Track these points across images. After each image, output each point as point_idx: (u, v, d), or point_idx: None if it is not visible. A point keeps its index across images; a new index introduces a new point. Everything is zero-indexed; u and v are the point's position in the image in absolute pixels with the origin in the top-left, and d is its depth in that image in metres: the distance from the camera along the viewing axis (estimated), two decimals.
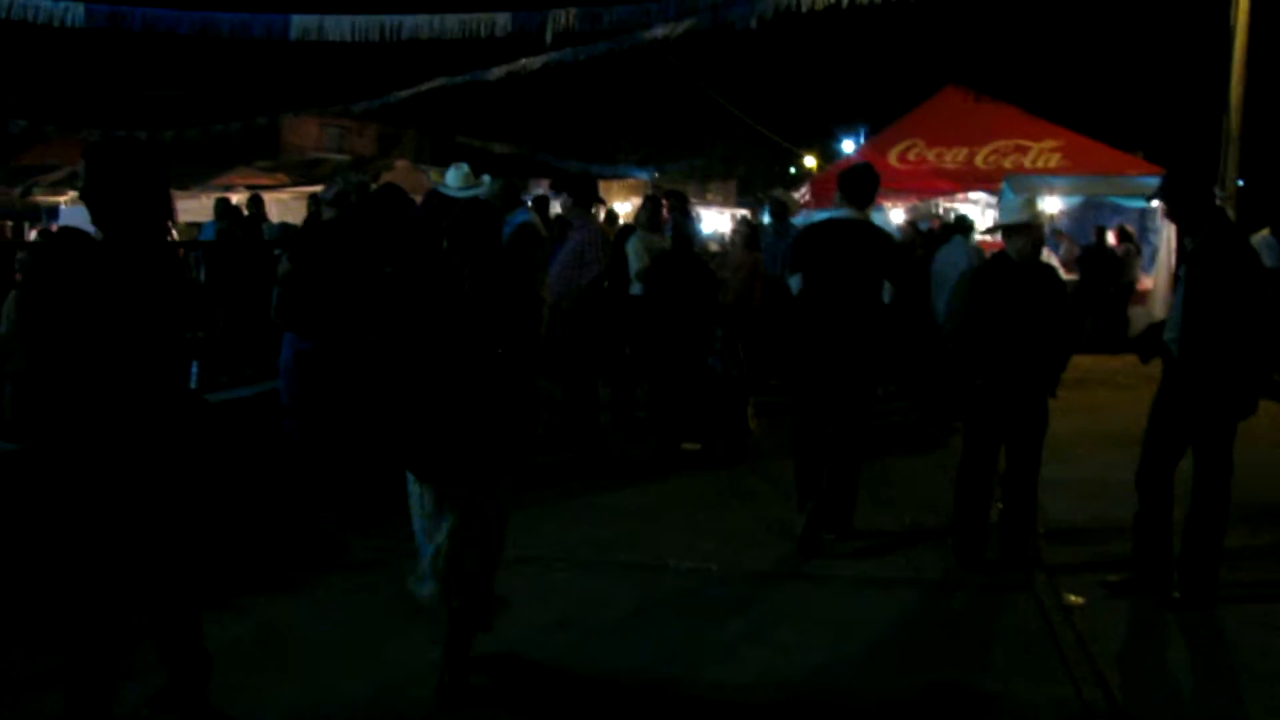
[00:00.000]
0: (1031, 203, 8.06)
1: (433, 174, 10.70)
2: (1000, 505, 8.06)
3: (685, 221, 12.63)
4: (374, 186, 10.86)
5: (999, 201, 8.07)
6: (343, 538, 8.23)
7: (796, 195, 23.47)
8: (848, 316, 8.38)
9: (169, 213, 5.40)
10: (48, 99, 30.67)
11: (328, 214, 9.52)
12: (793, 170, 52.05)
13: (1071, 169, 22.43)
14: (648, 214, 12.84)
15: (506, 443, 5.76)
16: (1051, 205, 21.30)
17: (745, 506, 9.58)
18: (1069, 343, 8.01)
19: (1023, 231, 7.78)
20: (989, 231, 8.25)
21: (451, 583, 5.66)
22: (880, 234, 8.98)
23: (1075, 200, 22.16)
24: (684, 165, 47.64)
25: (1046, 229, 12.34)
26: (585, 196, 11.63)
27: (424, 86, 21.48)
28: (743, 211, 27.85)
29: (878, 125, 27.33)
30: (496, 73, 19.81)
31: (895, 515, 9.28)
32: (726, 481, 10.45)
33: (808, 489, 8.61)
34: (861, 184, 8.68)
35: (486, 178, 10.56)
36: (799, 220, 16.68)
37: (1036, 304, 7.74)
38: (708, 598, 7.40)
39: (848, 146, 45.32)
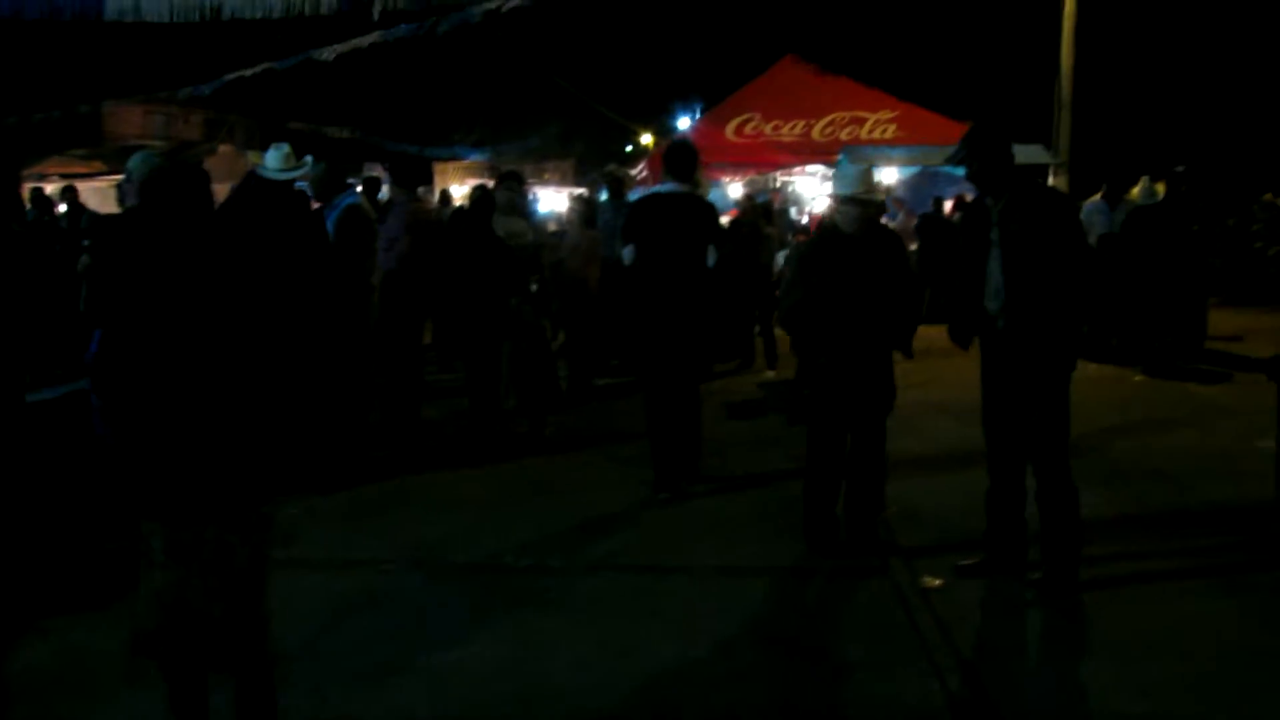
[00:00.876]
0: (868, 175, 7.62)
1: (253, 156, 10.12)
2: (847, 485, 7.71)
3: (506, 198, 12.20)
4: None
5: (835, 171, 7.72)
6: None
7: (634, 172, 23.21)
8: (678, 283, 8.89)
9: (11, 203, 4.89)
10: None
11: (130, 201, 8.93)
12: (629, 148, 51.77)
13: (908, 139, 22.32)
14: (506, 197, 12.29)
15: (264, 465, 4.56)
16: (889, 176, 21.31)
17: (587, 493, 9.14)
18: (916, 307, 7.76)
19: (857, 204, 7.43)
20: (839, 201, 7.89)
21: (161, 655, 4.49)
22: (704, 204, 9.47)
23: (912, 170, 22.11)
24: (519, 145, 47.12)
25: (886, 199, 12.26)
26: (404, 177, 11.27)
27: (250, 70, 20.75)
28: (580, 190, 27.45)
29: (714, 100, 26.97)
30: (326, 54, 19.11)
31: (743, 499, 8.95)
32: (566, 466, 10.07)
33: (665, 466, 8.91)
34: (682, 159, 9.31)
35: (309, 159, 10.04)
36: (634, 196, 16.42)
37: (873, 274, 7.39)
38: (549, 598, 6.90)
39: (684, 123, 45.10)
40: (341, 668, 5.82)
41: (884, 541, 7.67)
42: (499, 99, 46.74)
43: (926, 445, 10.15)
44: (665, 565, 7.48)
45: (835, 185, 7.87)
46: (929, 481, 9.11)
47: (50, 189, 20.50)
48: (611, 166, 17.54)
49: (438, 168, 40.89)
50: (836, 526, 7.61)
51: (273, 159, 9.48)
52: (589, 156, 48.79)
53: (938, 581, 6.97)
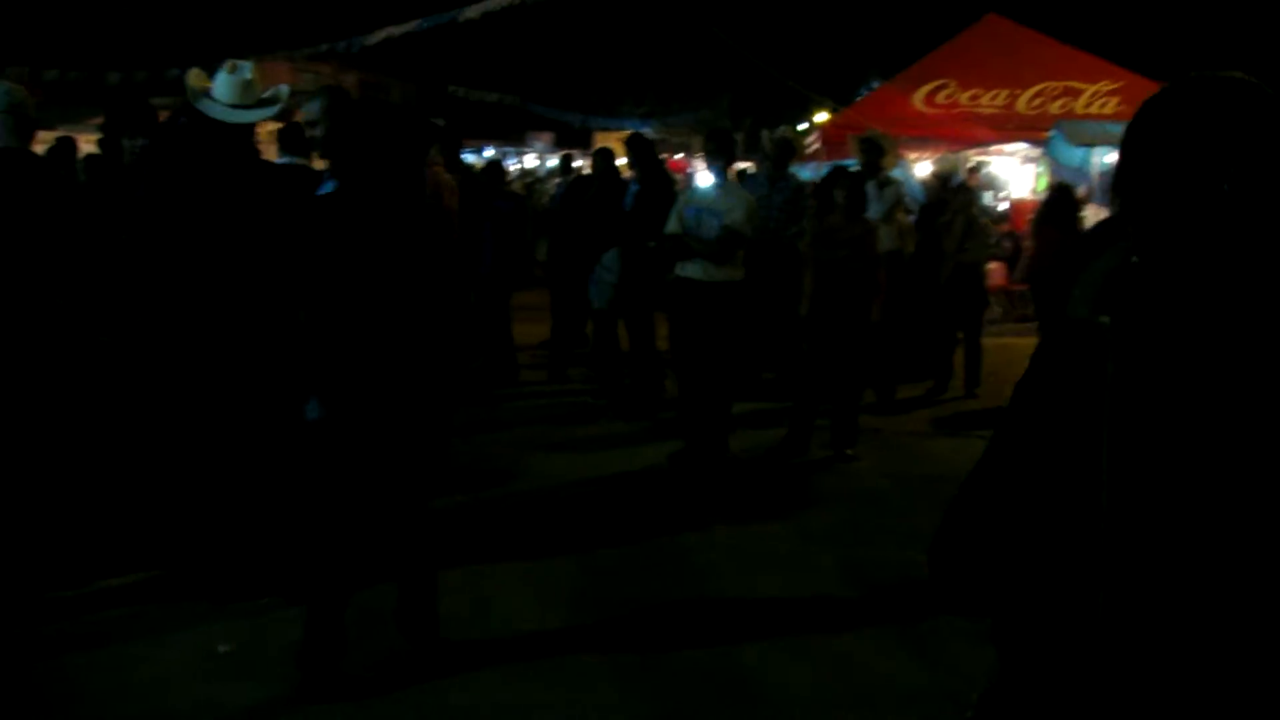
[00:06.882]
0: None
1: (191, 77, 6.66)
2: None
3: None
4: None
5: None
6: None
7: (807, 142, 20.84)
8: None
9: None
10: None
11: None
12: (803, 125, 49.44)
13: (1131, 115, 19.27)
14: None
15: None
16: (1110, 158, 18.39)
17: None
18: None
19: None
20: None
21: None
22: None
23: None
24: (689, 117, 46.00)
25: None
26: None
27: (399, 29, 20.29)
28: (746, 165, 24.94)
29: (902, 66, 24.09)
30: (471, 12, 18.40)
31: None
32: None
33: None
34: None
35: (284, 88, 6.70)
36: (807, 174, 13.89)
37: None
38: None
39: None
40: None
41: None
42: (669, 68, 45.59)
43: None
44: None
45: None
46: None
47: None
48: (780, 129, 14.72)
49: (598, 136, 39.21)
50: None
51: (224, 87, 6.26)
52: (759, 131, 46.85)
53: None
